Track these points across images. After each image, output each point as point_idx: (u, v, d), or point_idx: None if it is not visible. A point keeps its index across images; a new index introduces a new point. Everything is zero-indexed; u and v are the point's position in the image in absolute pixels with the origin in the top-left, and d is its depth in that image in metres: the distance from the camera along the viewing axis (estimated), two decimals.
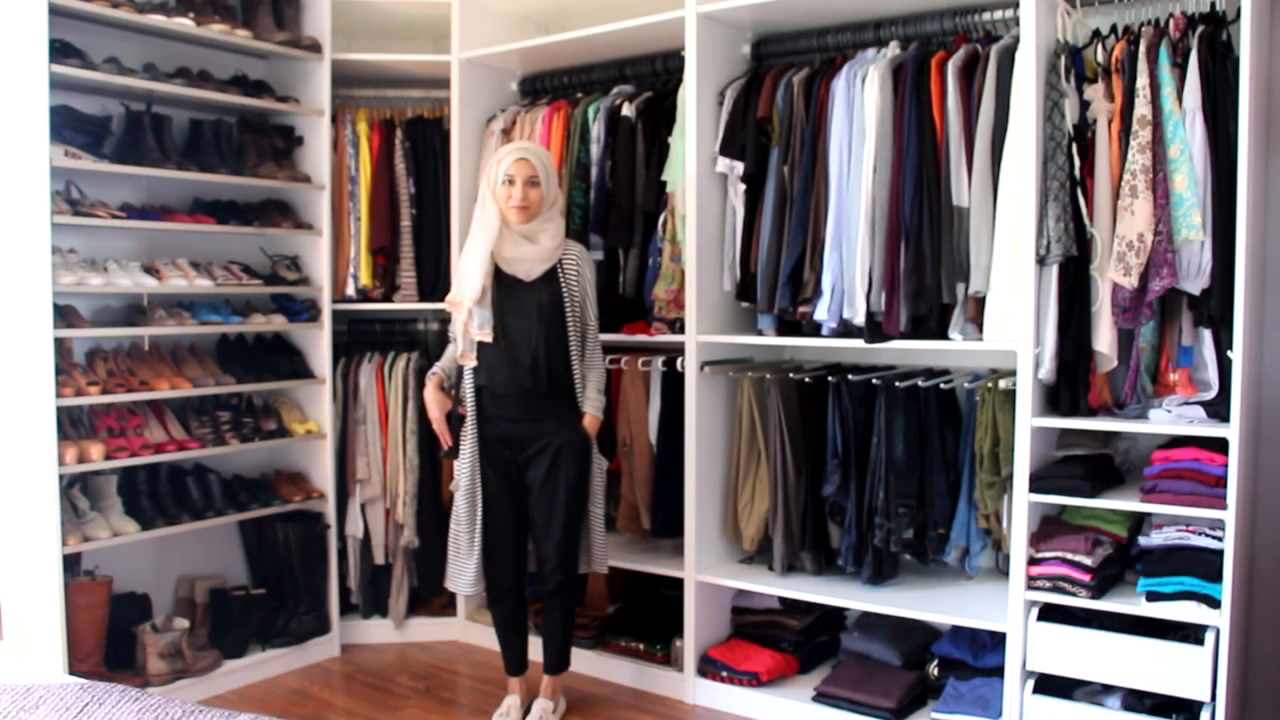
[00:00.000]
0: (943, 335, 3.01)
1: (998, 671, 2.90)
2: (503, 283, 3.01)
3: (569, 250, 3.06)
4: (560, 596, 3.15)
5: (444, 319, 4.07)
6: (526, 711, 3.20)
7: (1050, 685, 2.78)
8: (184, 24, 3.36)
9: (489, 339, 2.98)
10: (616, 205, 3.56)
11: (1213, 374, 2.71)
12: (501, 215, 3.00)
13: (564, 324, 3.03)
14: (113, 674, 3.18)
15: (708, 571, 3.42)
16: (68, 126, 3.16)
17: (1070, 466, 2.79)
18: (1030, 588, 2.78)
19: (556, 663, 3.23)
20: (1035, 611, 2.79)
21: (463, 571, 3.09)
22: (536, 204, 2.99)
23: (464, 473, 3.07)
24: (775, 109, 3.24)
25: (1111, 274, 2.64)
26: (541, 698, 3.22)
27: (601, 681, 3.56)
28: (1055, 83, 2.71)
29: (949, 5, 3.09)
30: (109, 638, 3.23)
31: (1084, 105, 2.75)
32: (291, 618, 3.72)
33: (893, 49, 3.12)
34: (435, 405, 3.10)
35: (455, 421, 3.11)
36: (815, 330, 3.19)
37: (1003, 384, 2.93)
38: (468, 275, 3.00)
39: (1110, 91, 2.73)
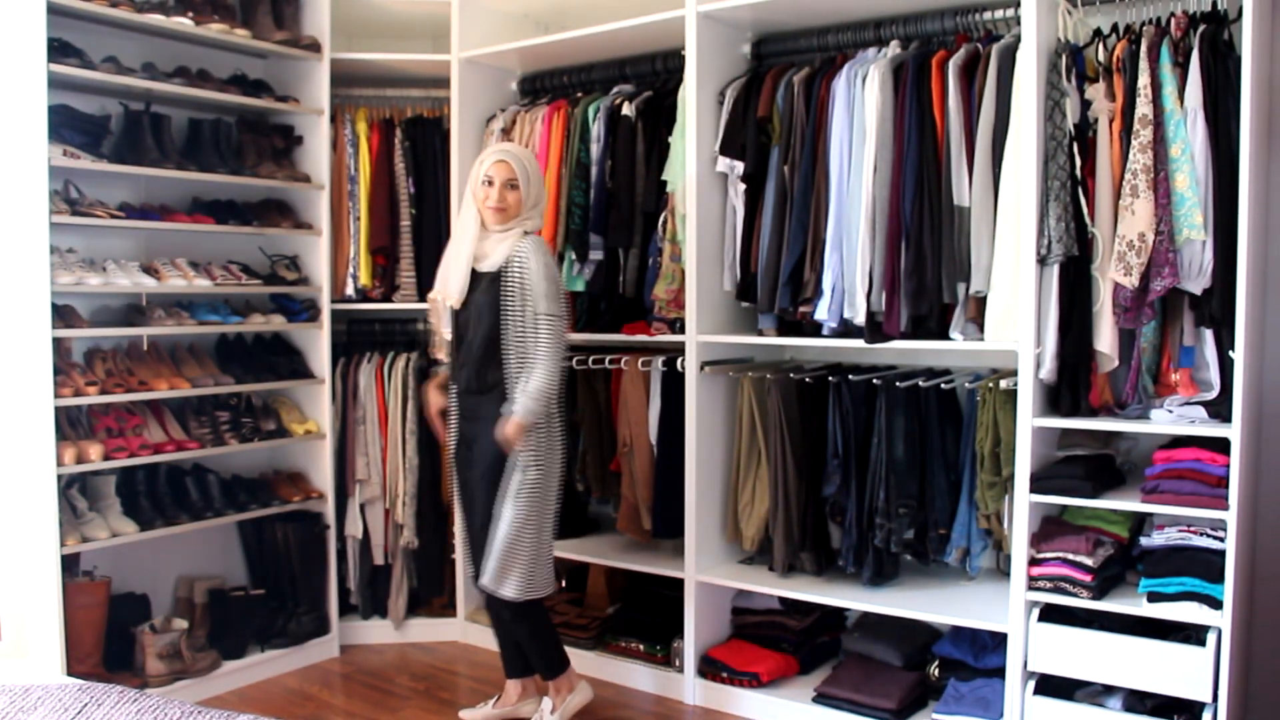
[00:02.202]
0: (943, 335, 3.00)
1: (999, 672, 2.89)
2: (475, 282, 2.98)
3: (520, 244, 2.92)
4: (499, 609, 3.04)
5: None
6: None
7: (1051, 686, 2.77)
8: (183, 23, 3.35)
9: (448, 336, 3.04)
10: (616, 205, 3.55)
11: (1214, 374, 2.70)
12: (479, 216, 3.00)
13: (498, 322, 2.91)
14: (111, 674, 3.17)
15: (708, 572, 3.41)
16: (66, 126, 3.15)
17: (1071, 466, 2.78)
18: (1031, 588, 2.77)
19: (524, 668, 3.21)
20: (1036, 612, 2.78)
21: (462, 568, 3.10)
22: (514, 206, 2.96)
23: (455, 467, 3.13)
24: (775, 108, 3.23)
25: (1112, 274, 2.63)
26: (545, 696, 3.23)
27: (602, 682, 3.55)
28: (1056, 82, 2.71)
29: (950, 4, 3.09)
30: (107, 638, 3.22)
31: (1085, 105, 2.74)
32: (291, 618, 3.71)
33: (893, 48, 3.12)
34: (430, 403, 3.19)
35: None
36: (816, 330, 3.18)
37: (1003, 384, 2.92)
38: (452, 275, 2.99)
39: (1111, 91, 2.72)
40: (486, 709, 3.23)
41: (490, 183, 2.95)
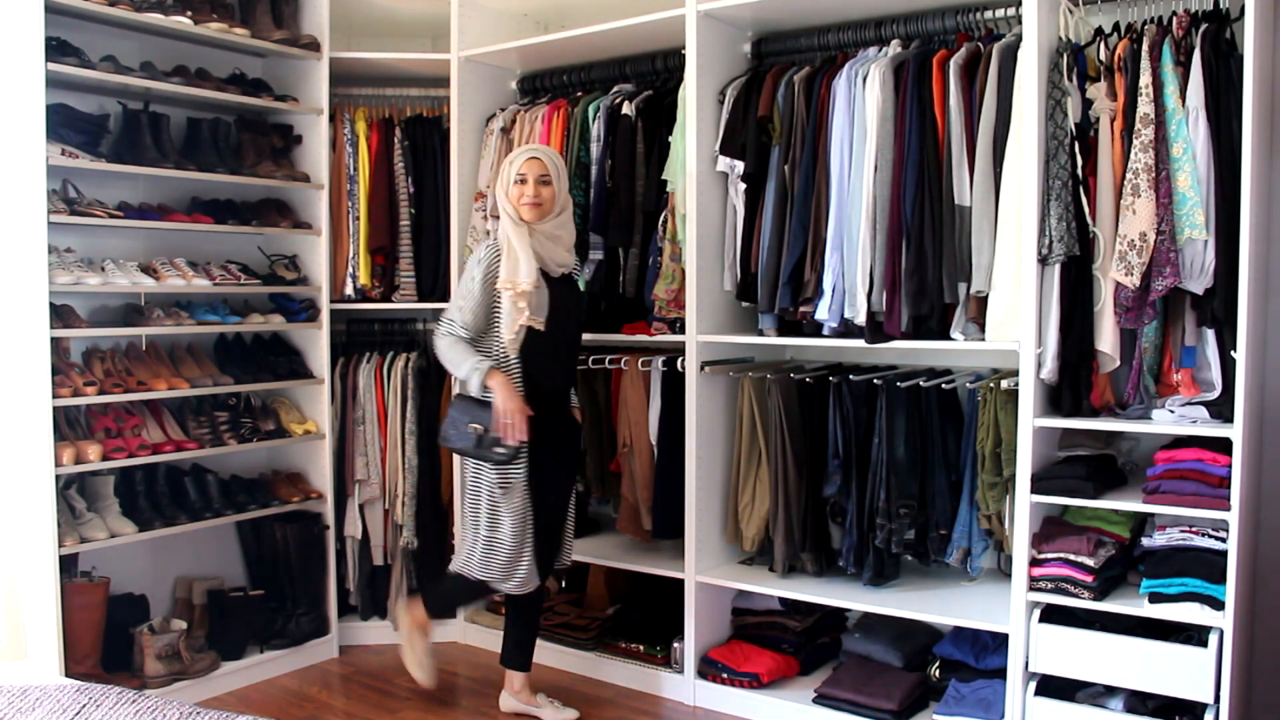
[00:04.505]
0: (944, 335, 3.00)
1: (1000, 673, 2.89)
2: (550, 286, 3.03)
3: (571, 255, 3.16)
4: (540, 596, 3.26)
5: None
6: None
7: (1052, 687, 2.77)
8: (182, 22, 3.34)
9: (541, 326, 2.96)
10: (616, 204, 3.55)
11: (1216, 374, 2.69)
12: (516, 215, 3.01)
13: (581, 325, 3.22)
14: (110, 675, 3.17)
15: (708, 572, 3.41)
16: (65, 125, 3.15)
17: (1072, 467, 2.78)
18: (1032, 589, 2.76)
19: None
20: (1037, 613, 2.77)
21: (519, 570, 3.01)
22: (549, 201, 3.03)
23: (518, 471, 2.98)
24: (776, 108, 3.23)
25: (1114, 273, 2.63)
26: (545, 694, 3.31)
27: (602, 683, 3.54)
28: (1057, 81, 2.70)
29: (951, 3, 3.08)
30: (106, 639, 3.21)
31: (1086, 104, 2.74)
32: (290, 619, 3.70)
33: (894, 47, 3.11)
34: (517, 397, 2.92)
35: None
36: (816, 330, 3.18)
37: (1005, 384, 2.92)
38: (521, 263, 2.94)
39: (1113, 90, 2.72)
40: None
41: (523, 180, 3.00)
